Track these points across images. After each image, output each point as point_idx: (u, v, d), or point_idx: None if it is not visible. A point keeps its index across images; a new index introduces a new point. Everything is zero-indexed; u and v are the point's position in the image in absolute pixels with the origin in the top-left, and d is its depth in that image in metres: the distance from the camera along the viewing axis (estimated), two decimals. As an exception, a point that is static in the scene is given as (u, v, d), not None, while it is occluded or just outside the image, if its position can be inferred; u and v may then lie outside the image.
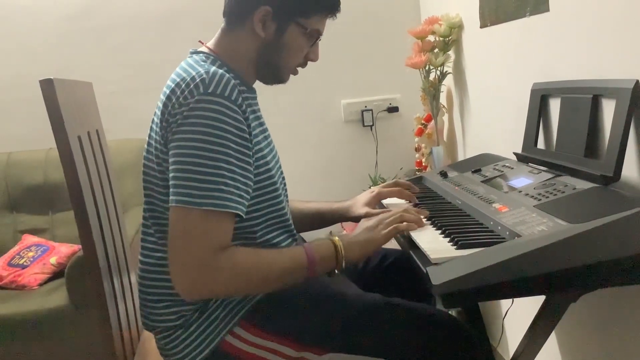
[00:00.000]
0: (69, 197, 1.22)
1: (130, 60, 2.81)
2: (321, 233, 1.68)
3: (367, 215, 1.41)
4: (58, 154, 1.21)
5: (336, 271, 1.21)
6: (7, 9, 2.75)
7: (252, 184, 1.17)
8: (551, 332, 1.28)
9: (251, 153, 1.17)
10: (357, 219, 1.48)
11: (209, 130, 1.10)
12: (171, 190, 1.11)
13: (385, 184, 1.57)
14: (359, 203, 1.49)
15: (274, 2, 1.22)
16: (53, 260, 2.43)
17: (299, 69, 1.34)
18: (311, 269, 1.17)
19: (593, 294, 1.11)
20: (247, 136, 1.16)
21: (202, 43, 1.31)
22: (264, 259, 1.16)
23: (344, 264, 1.19)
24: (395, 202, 1.51)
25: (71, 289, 2.15)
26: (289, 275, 1.17)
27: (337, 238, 1.21)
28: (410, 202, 1.49)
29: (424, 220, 1.27)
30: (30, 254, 2.45)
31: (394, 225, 1.23)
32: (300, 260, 1.16)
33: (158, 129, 1.18)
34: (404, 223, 1.23)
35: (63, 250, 2.48)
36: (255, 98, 1.33)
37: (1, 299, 2.27)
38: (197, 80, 1.12)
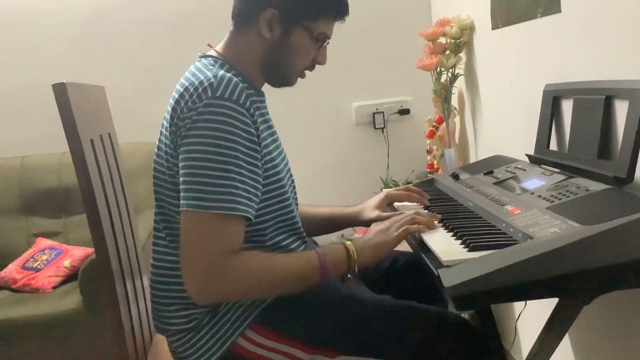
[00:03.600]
0: (82, 200, 1.23)
1: (142, 65, 2.83)
2: (332, 236, 1.68)
3: (377, 219, 1.41)
4: (71, 158, 1.22)
5: (349, 275, 1.21)
6: (20, 15, 2.79)
7: (261, 187, 1.18)
8: (564, 334, 1.27)
9: (260, 156, 1.18)
10: (368, 223, 1.47)
11: (217, 134, 1.10)
12: (181, 194, 1.11)
13: (395, 188, 1.57)
14: (369, 207, 1.49)
15: (280, 5, 1.23)
16: (66, 263, 2.45)
17: (307, 72, 1.34)
18: (323, 273, 1.17)
19: (607, 296, 1.10)
20: (256, 139, 1.16)
21: (211, 47, 1.32)
22: (276, 263, 1.16)
23: (356, 269, 1.19)
24: (406, 205, 1.51)
25: (84, 291, 2.16)
26: (301, 279, 1.17)
27: (349, 242, 1.21)
28: (421, 205, 1.48)
29: (436, 223, 1.26)
30: (44, 257, 2.47)
31: (405, 227, 1.23)
32: (312, 265, 1.17)
33: (168, 133, 1.18)
34: (415, 225, 1.23)
35: (76, 253, 2.50)
36: (263, 101, 1.33)
37: (15, 302, 2.29)
38: (206, 84, 1.13)
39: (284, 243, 1.27)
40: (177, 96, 1.17)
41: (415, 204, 1.50)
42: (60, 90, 1.18)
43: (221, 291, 1.12)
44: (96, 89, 1.51)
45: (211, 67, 1.22)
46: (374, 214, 1.46)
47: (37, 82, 2.68)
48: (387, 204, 1.51)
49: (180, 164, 1.13)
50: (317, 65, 1.34)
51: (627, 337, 1.40)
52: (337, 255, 1.19)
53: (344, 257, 1.19)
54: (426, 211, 1.31)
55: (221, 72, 1.17)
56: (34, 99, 2.75)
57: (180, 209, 1.12)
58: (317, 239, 1.52)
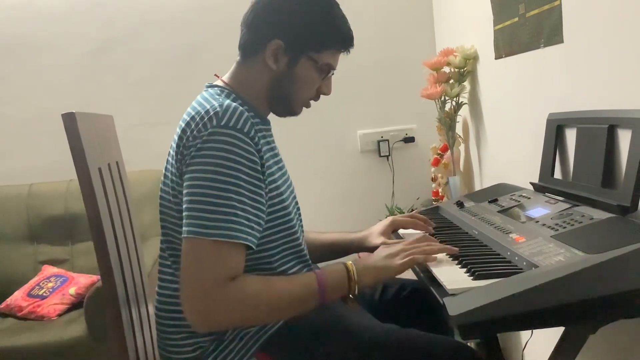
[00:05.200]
0: (89, 228, 1.24)
1: (150, 94, 2.87)
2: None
3: (383, 245, 1.40)
4: (79, 186, 1.23)
5: (351, 296, 1.20)
6: (31, 44, 2.83)
7: (264, 215, 1.18)
8: (571, 364, 1.27)
9: (263, 185, 1.19)
10: (373, 249, 1.46)
11: (220, 161, 1.11)
12: (184, 221, 1.12)
13: (401, 215, 1.57)
14: (374, 233, 1.49)
15: (286, 36, 1.25)
16: (72, 290, 2.45)
17: (312, 102, 1.36)
18: (322, 295, 1.17)
19: (612, 325, 1.10)
20: (259, 168, 1.17)
21: (218, 77, 1.34)
22: (274, 287, 1.16)
23: (357, 290, 1.19)
24: (411, 232, 1.51)
25: (90, 319, 2.16)
26: (300, 302, 1.17)
27: (350, 262, 1.20)
28: (425, 233, 1.48)
29: (447, 256, 1.24)
30: (50, 284, 2.47)
31: (412, 256, 1.22)
32: (311, 288, 1.16)
33: (174, 161, 1.20)
34: (422, 255, 1.22)
35: (82, 281, 2.50)
36: (269, 130, 1.34)
37: (21, 330, 2.28)
38: (211, 113, 1.15)
39: (291, 271, 1.28)
40: (183, 125, 1.19)
41: (420, 231, 1.50)
42: (70, 120, 1.20)
43: (219, 318, 1.11)
44: (105, 118, 1.52)
45: (217, 96, 1.24)
46: (379, 240, 1.46)
47: (46, 111, 2.72)
48: (393, 230, 1.52)
49: (184, 191, 1.14)
50: (321, 96, 1.36)
51: (634, 366, 1.39)
52: (337, 276, 1.18)
53: (344, 277, 1.18)
54: (438, 242, 1.29)
55: (227, 101, 1.19)
56: (43, 127, 2.79)
57: (182, 236, 1.13)
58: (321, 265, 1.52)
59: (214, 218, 1.10)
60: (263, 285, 1.15)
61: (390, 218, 1.53)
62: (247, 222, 1.13)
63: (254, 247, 1.15)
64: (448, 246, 1.25)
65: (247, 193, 1.14)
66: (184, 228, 1.12)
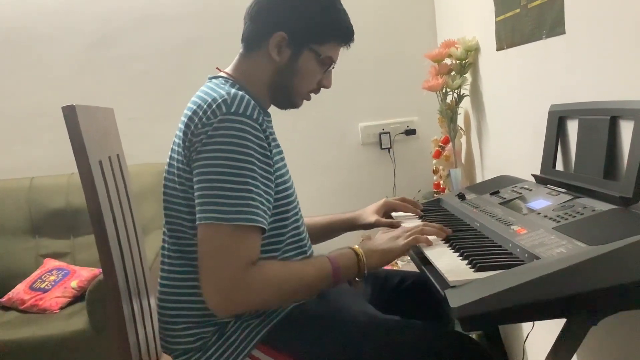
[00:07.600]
0: (90, 221, 1.24)
1: (150, 88, 2.86)
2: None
3: (377, 223, 1.52)
4: (80, 179, 1.23)
5: (357, 279, 1.24)
6: (31, 38, 2.83)
7: (272, 200, 1.20)
8: (572, 355, 1.26)
9: (272, 170, 1.20)
10: (366, 227, 1.57)
11: (234, 148, 1.12)
12: (198, 208, 1.13)
13: (392, 198, 1.66)
14: (368, 211, 1.58)
15: (290, 28, 1.26)
16: (74, 284, 2.45)
17: (313, 95, 1.38)
18: (336, 277, 1.20)
19: (614, 317, 1.09)
20: (269, 154, 1.19)
21: (220, 70, 1.34)
22: (292, 269, 1.19)
23: (366, 271, 1.22)
24: (403, 215, 1.60)
25: (91, 312, 2.16)
26: (316, 284, 1.20)
27: (357, 246, 1.24)
28: (416, 215, 1.58)
29: (443, 242, 1.27)
30: (52, 277, 2.47)
31: (415, 236, 1.26)
32: (325, 270, 1.19)
33: (180, 149, 1.20)
34: (424, 236, 1.26)
35: (84, 274, 2.51)
36: (270, 122, 1.35)
37: (23, 323, 2.29)
38: (219, 101, 1.15)
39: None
40: (190, 114, 1.19)
41: (410, 213, 1.60)
42: (70, 113, 1.19)
43: (244, 302, 1.13)
44: (105, 111, 1.52)
45: (223, 85, 1.25)
46: (373, 218, 1.54)
47: (46, 104, 2.72)
48: (385, 212, 1.60)
49: (196, 179, 1.15)
50: (321, 89, 1.38)
51: (635, 358, 1.39)
52: (347, 259, 1.22)
53: (353, 260, 1.22)
54: (436, 224, 1.33)
55: (233, 90, 1.20)
56: (44, 120, 2.78)
57: (198, 223, 1.13)
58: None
59: (231, 203, 1.10)
60: (283, 269, 1.18)
61: (383, 199, 1.62)
62: (262, 206, 1.14)
63: (267, 230, 1.16)
64: (446, 228, 1.31)
65: (260, 178, 1.15)
66: (199, 215, 1.12)
